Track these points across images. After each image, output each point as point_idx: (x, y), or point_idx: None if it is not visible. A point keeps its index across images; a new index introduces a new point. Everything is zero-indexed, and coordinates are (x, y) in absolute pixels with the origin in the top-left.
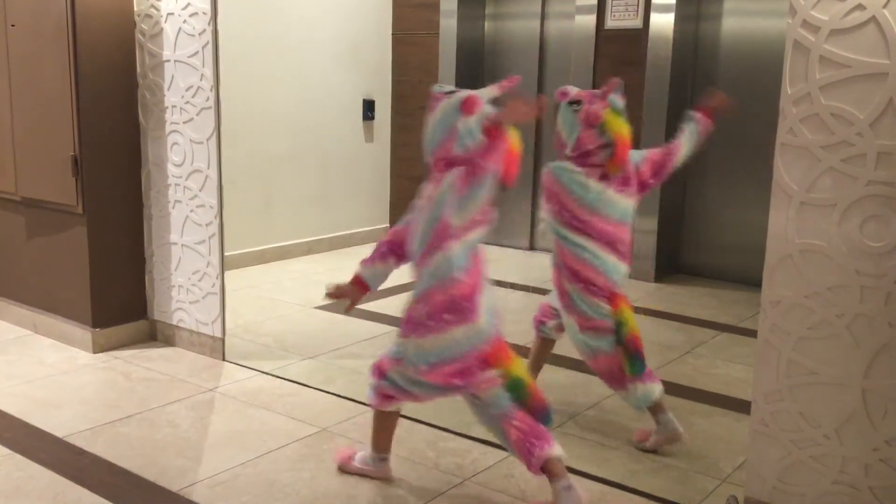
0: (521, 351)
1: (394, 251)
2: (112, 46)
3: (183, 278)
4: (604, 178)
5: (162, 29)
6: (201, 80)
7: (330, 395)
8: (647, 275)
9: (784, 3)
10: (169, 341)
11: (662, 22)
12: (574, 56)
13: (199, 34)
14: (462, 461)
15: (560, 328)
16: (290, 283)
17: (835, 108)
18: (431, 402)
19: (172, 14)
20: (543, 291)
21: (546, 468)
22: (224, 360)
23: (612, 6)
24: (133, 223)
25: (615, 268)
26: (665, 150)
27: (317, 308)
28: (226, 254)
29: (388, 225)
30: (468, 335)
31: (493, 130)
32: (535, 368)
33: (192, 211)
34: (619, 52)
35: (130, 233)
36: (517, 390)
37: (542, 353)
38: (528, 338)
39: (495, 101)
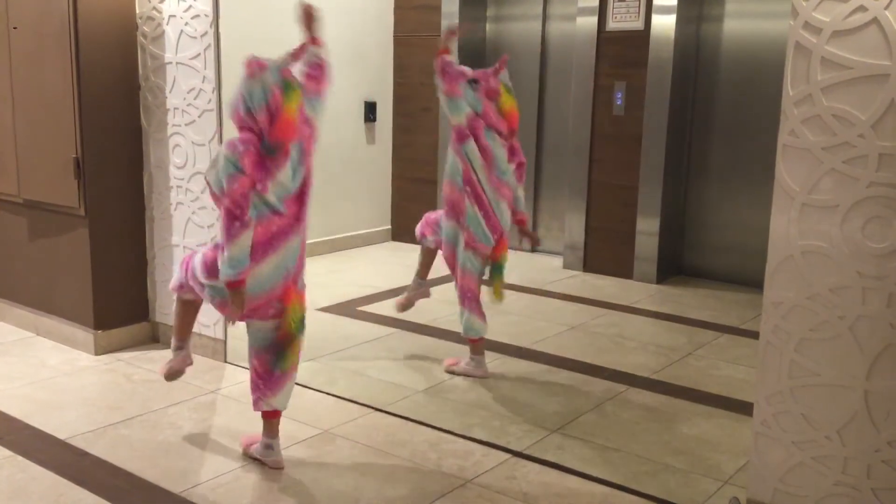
0: (522, 352)
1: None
2: (114, 49)
3: None
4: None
5: (164, 31)
6: (203, 82)
7: (331, 397)
8: (649, 276)
9: (785, 5)
10: (171, 343)
11: (664, 24)
12: (575, 58)
13: (201, 36)
14: (464, 463)
15: (438, 242)
16: None
17: (836, 109)
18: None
19: (174, 16)
20: (545, 292)
21: (264, 416)
22: (226, 361)
23: (613, 8)
24: (135, 225)
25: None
26: (519, 160)
27: (319, 310)
28: None
29: (389, 227)
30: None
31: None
32: (425, 272)
33: (193, 213)
34: (620, 53)
35: (132, 235)
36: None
37: (428, 260)
38: (528, 338)
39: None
